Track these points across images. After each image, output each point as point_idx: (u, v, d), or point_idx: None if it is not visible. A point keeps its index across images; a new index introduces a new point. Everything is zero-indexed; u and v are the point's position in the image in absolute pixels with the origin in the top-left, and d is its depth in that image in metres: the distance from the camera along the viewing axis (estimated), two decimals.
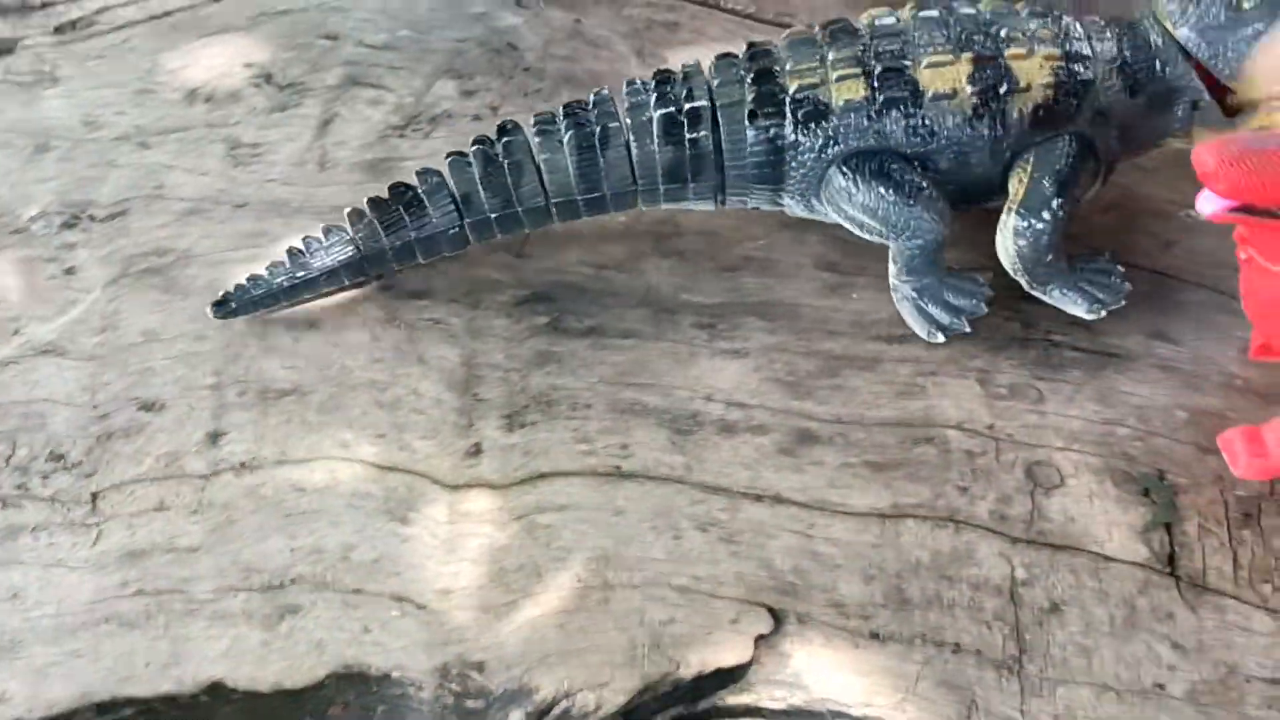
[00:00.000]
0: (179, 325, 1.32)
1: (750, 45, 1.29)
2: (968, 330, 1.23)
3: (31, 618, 1.04)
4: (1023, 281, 1.23)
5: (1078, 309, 1.23)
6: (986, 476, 1.13)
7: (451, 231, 1.28)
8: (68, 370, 1.28)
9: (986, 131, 1.21)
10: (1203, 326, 1.29)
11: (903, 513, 1.10)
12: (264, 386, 1.25)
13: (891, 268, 1.26)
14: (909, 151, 1.22)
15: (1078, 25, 1.25)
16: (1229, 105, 1.22)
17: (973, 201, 1.27)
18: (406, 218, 1.26)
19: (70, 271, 1.41)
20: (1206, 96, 1.21)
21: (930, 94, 1.20)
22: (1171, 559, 1.06)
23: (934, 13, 1.25)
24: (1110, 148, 1.25)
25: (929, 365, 1.25)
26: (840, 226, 1.29)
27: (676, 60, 1.81)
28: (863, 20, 1.27)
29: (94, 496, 1.15)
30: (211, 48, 1.81)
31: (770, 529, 1.09)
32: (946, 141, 1.22)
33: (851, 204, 1.23)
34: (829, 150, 1.23)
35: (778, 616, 1.02)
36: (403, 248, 1.27)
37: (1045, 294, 1.24)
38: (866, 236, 1.24)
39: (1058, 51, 1.21)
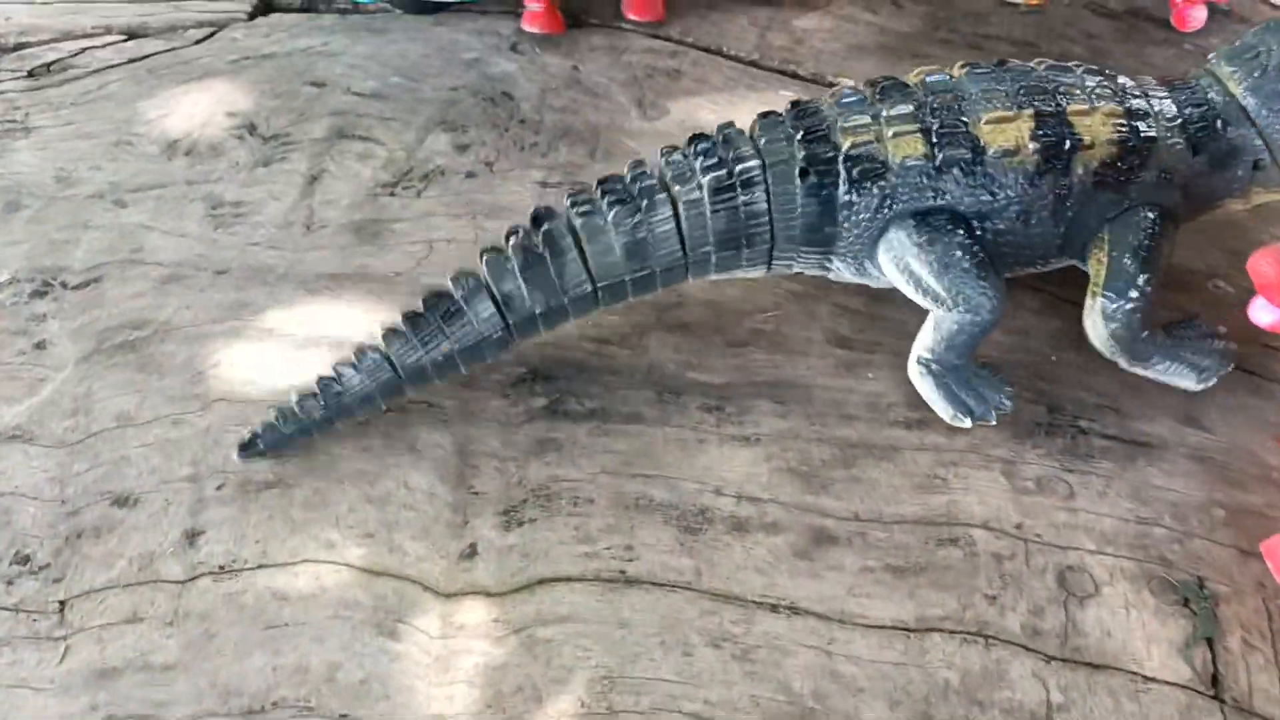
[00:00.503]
0: (155, 408, 1.25)
1: (795, 104, 1.24)
2: (994, 422, 1.17)
3: None
4: (1121, 361, 1.20)
5: (1186, 381, 1.21)
6: (1017, 583, 1.06)
7: (496, 336, 1.17)
8: (35, 459, 1.20)
9: (1049, 190, 1.17)
10: (1234, 411, 1.23)
11: (928, 626, 1.03)
12: (244, 479, 1.17)
13: (926, 339, 1.19)
14: (969, 210, 1.17)
15: (1134, 83, 1.22)
16: None
17: (1026, 265, 1.23)
18: (445, 328, 1.16)
19: (40, 346, 1.34)
20: (1267, 157, 1.20)
21: (992, 151, 1.16)
22: (1215, 679, 1.00)
23: (986, 69, 1.22)
24: (1177, 210, 1.22)
25: (950, 455, 1.18)
26: (852, 299, 1.27)
27: (679, 110, 1.75)
28: (911, 78, 1.22)
29: (61, 605, 1.07)
30: (192, 94, 1.74)
31: (787, 644, 1.02)
32: (1008, 200, 1.17)
33: (919, 262, 1.16)
34: (885, 210, 1.18)
35: None
36: (444, 361, 1.17)
37: (1147, 369, 1.21)
38: (921, 299, 1.18)
39: (1119, 108, 1.18)
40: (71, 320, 1.37)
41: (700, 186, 1.17)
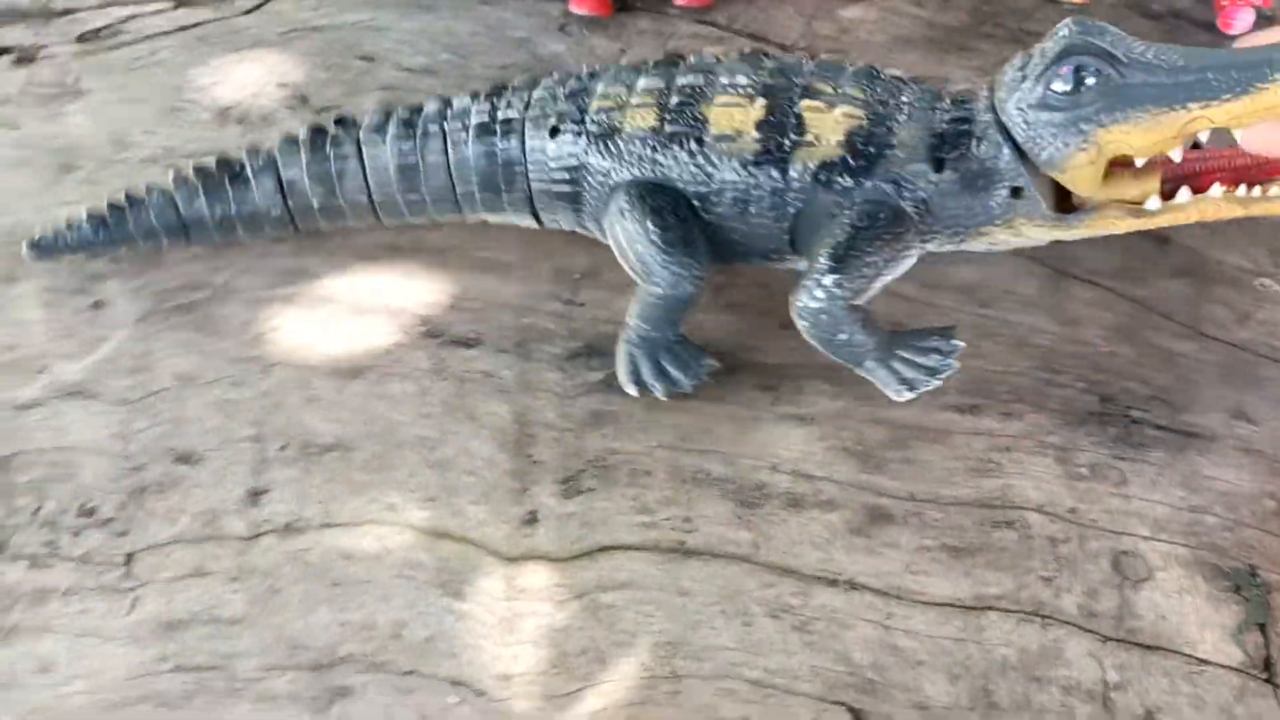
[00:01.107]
0: (215, 369, 1.26)
1: (592, 70, 1.29)
2: (687, 389, 1.19)
3: (63, 694, 0.98)
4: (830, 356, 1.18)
5: (887, 388, 1.18)
6: (1071, 566, 1.08)
7: (275, 214, 1.30)
8: (97, 415, 1.21)
9: (766, 181, 1.15)
10: None
11: (986, 604, 1.05)
12: (306, 440, 1.18)
13: (630, 308, 1.21)
14: (690, 190, 1.18)
15: (911, 92, 1.17)
16: (1062, 200, 1.12)
17: (758, 256, 1.23)
18: (230, 191, 1.28)
19: (98, 306, 1.35)
20: (1026, 183, 1.10)
21: (713, 133, 1.16)
22: (1268, 663, 1.01)
23: (754, 58, 1.22)
24: (908, 228, 1.15)
25: (1003, 440, 1.19)
26: (904, 285, 1.26)
27: None
28: (694, 57, 1.25)
29: (128, 558, 1.08)
30: (243, 64, 1.75)
31: (846, 618, 1.04)
32: (724, 185, 1.17)
33: (618, 232, 1.19)
34: (613, 176, 1.21)
35: (859, 718, 0.97)
36: (224, 221, 1.31)
37: (860, 370, 1.18)
38: (628, 271, 1.20)
39: (860, 112, 1.14)
40: (129, 280, 1.38)
41: (466, 127, 1.26)
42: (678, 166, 1.18)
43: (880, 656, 1.01)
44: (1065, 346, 1.28)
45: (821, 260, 1.12)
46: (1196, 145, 1.06)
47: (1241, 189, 1.03)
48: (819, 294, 1.11)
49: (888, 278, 1.15)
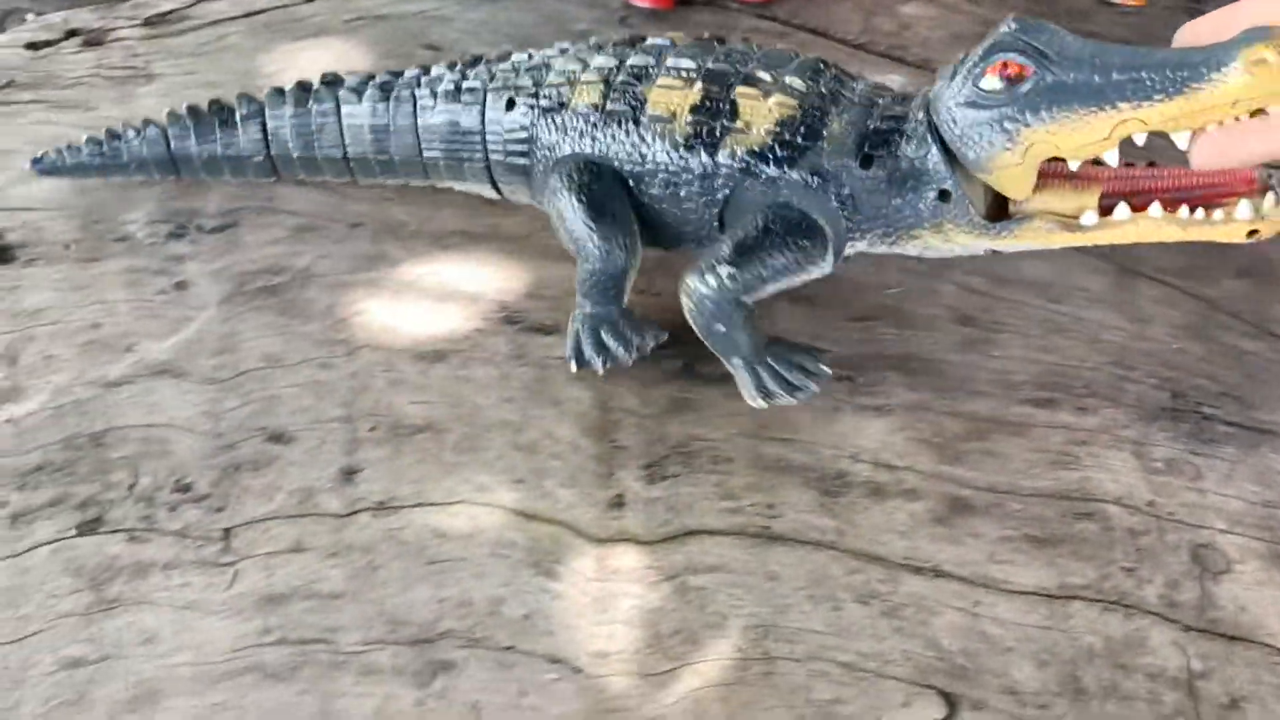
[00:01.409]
0: (302, 350, 1.28)
1: (564, 45, 1.34)
2: (627, 364, 1.22)
3: (169, 665, 1.00)
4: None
5: (744, 390, 1.19)
6: (1152, 558, 1.10)
7: (258, 159, 1.38)
8: (188, 393, 1.24)
9: (696, 165, 1.17)
10: None
11: (1070, 594, 1.07)
12: (396, 421, 1.20)
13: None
14: (625, 169, 1.20)
15: (855, 88, 1.18)
16: (1000, 210, 1.09)
17: (690, 241, 1.24)
18: (218, 133, 1.37)
19: (181, 286, 1.37)
20: (953, 188, 1.08)
21: (649, 113, 1.18)
22: None
23: (704, 44, 1.24)
24: (839, 226, 1.15)
25: (1081, 434, 1.21)
26: (973, 279, 1.31)
27: None
28: (653, 39, 1.27)
29: (226, 533, 1.10)
30: (310, 51, 1.77)
31: (933, 605, 1.06)
32: (656, 166, 1.19)
33: (553, 207, 1.22)
34: (558, 150, 1.24)
35: (951, 702, 0.99)
36: (210, 161, 1.40)
37: (727, 364, 1.20)
38: (565, 247, 1.23)
39: (794, 102, 1.14)
40: (210, 263, 1.40)
41: (434, 93, 1.31)
42: (615, 144, 1.20)
43: (969, 643, 1.03)
44: (1136, 343, 1.30)
45: (724, 249, 1.13)
46: (1152, 164, 1.05)
47: (1184, 210, 0.98)
48: (710, 280, 1.12)
49: (786, 284, 1.16)
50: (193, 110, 1.41)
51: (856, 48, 1.85)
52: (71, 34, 1.81)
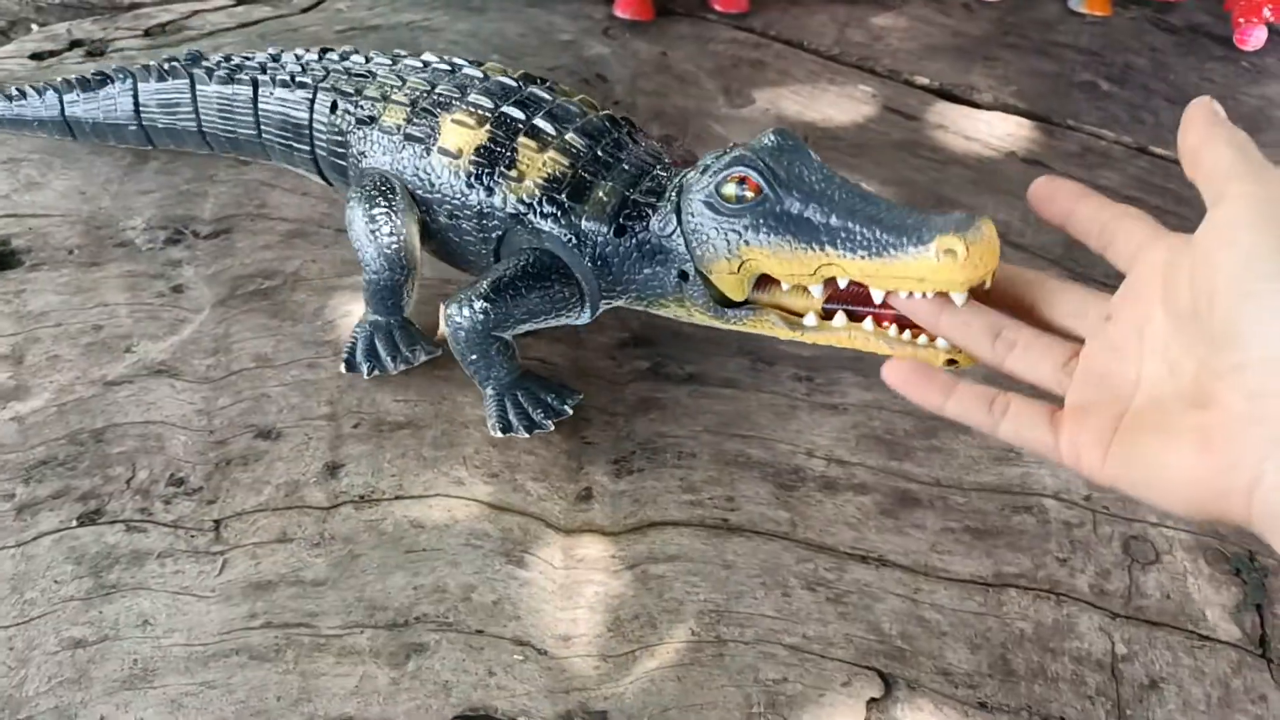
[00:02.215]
0: (290, 351, 1.35)
1: (401, 53, 1.43)
2: (392, 372, 1.29)
3: (163, 646, 1.07)
4: None
5: (488, 418, 1.24)
6: (1085, 549, 1.17)
7: (132, 127, 1.53)
8: (182, 392, 1.31)
9: (474, 203, 1.23)
10: None
11: (1005, 582, 1.14)
12: (378, 419, 1.28)
13: None
14: (415, 193, 1.27)
15: (635, 154, 1.21)
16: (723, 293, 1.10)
17: (471, 266, 1.31)
18: (99, 100, 1.52)
19: (178, 289, 1.44)
20: (690, 272, 1.10)
21: (438, 145, 1.24)
22: (1263, 641, 1.10)
23: (513, 83, 1.29)
24: (593, 284, 1.19)
25: None
26: None
27: (764, 99, 1.85)
28: (488, 68, 1.34)
29: (217, 524, 1.18)
30: None
31: (876, 591, 1.13)
32: (442, 196, 1.25)
33: (347, 214, 1.28)
34: (365, 161, 1.32)
35: (888, 681, 1.06)
36: (95, 126, 1.55)
37: (480, 390, 1.26)
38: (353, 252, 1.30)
39: (567, 161, 1.19)
40: (205, 267, 1.47)
41: (273, 80, 1.42)
42: (409, 167, 1.27)
43: (908, 627, 1.11)
44: None
45: (483, 284, 1.18)
46: None
47: (893, 329, 0.98)
48: (466, 312, 1.18)
49: (538, 325, 1.21)
50: (82, 79, 1.53)
51: (830, 59, 1.92)
52: (75, 44, 1.89)
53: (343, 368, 1.30)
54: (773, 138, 1.04)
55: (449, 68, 1.34)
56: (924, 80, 1.87)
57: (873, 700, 1.05)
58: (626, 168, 1.20)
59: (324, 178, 1.44)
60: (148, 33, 1.92)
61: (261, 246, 1.49)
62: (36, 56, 1.86)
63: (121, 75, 1.52)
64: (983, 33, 1.96)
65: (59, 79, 1.56)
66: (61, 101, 1.55)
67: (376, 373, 1.29)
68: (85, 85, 1.54)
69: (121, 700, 1.03)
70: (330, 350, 1.35)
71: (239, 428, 1.27)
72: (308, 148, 1.41)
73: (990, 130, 1.82)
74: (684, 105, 1.79)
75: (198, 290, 1.43)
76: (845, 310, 1.01)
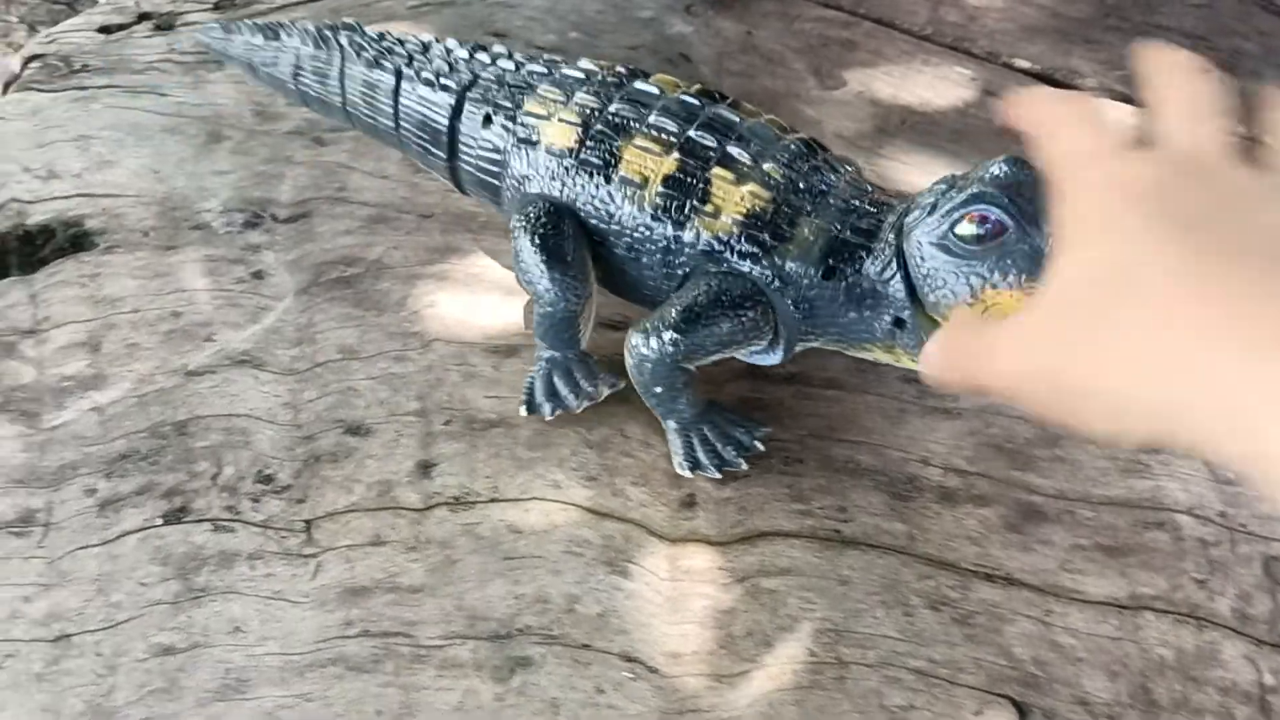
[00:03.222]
0: (377, 343, 1.30)
1: (556, 59, 1.31)
2: (575, 410, 1.18)
3: (256, 655, 1.03)
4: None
5: (674, 456, 1.16)
6: (1224, 570, 1.10)
7: (289, 86, 1.45)
8: (266, 384, 1.26)
9: (660, 238, 1.12)
10: None
11: (1141, 604, 1.08)
12: (470, 416, 1.22)
13: None
14: (590, 222, 1.16)
15: (836, 184, 1.09)
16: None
17: (644, 302, 1.20)
18: (271, 52, 1.44)
19: (258, 276, 1.39)
20: (909, 319, 1.02)
21: (620, 174, 1.13)
22: None
23: (695, 101, 1.16)
24: (792, 325, 1.09)
25: None
26: None
27: (855, 81, 1.77)
28: (658, 80, 1.21)
29: (308, 525, 1.13)
30: None
31: (1005, 613, 1.07)
32: (621, 228, 1.14)
33: (513, 244, 1.18)
34: (527, 185, 1.21)
35: (1023, 711, 1.00)
36: (269, 77, 1.46)
37: (663, 425, 1.17)
38: (520, 285, 1.20)
39: (767, 195, 1.07)
40: (285, 252, 1.42)
41: (418, 74, 1.31)
42: (583, 194, 1.16)
43: (1041, 652, 1.04)
44: None
45: (671, 313, 1.08)
46: None
47: None
48: (654, 343, 1.09)
49: (729, 354, 1.12)
50: (266, 26, 1.46)
51: (922, 39, 1.83)
52: (143, 17, 1.83)
53: (523, 410, 1.19)
54: (1006, 167, 0.94)
55: (616, 80, 1.22)
56: (1024, 63, 1.79)
57: None
58: (831, 202, 1.09)
59: (460, 188, 1.35)
60: (217, 6, 1.86)
61: (342, 232, 1.43)
62: (104, 30, 1.80)
63: (287, 32, 1.44)
64: (1083, 14, 1.87)
65: (277, 22, 1.47)
66: (248, 46, 1.47)
67: (559, 413, 1.19)
68: (265, 33, 1.45)
69: (214, 713, 0.99)
70: (418, 342, 1.30)
71: (327, 423, 1.22)
72: (445, 156, 1.31)
73: None
74: (772, 87, 1.72)
75: (278, 277, 1.38)
76: None
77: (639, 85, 1.20)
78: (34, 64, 1.73)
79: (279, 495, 1.15)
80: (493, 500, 1.15)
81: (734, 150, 1.12)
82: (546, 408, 1.19)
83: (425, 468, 1.18)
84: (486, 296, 1.36)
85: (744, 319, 1.09)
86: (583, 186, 1.16)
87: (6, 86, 1.83)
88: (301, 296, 1.36)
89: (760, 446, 1.17)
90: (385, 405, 1.23)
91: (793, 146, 1.13)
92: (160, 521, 1.13)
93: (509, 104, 1.24)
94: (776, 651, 1.04)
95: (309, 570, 1.09)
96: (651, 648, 1.04)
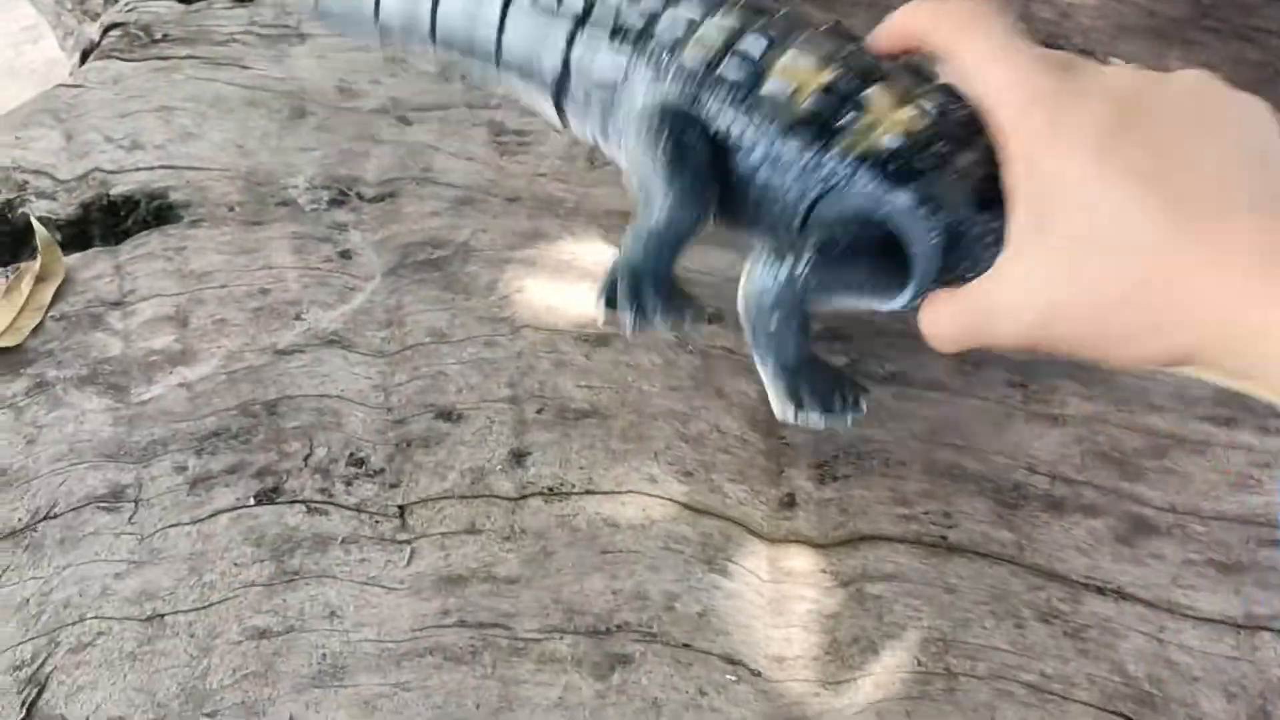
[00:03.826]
0: (467, 327, 1.28)
1: None
2: (658, 328, 1.08)
3: (352, 641, 1.01)
4: (747, 338, 1.05)
5: (775, 400, 1.05)
6: None
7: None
8: (356, 365, 1.24)
9: (801, 150, 1.01)
10: None
11: (1258, 624, 1.04)
12: (562, 405, 1.20)
13: (627, 232, 1.09)
14: (721, 135, 1.06)
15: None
16: None
17: (766, 227, 1.09)
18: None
19: (346, 255, 1.37)
20: None
21: (769, 83, 1.02)
22: None
23: (841, 36, 1.05)
24: (931, 263, 0.99)
25: (1263, 456, 1.17)
26: None
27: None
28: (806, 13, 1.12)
29: (401, 510, 1.11)
30: None
31: (1117, 627, 1.03)
32: (755, 142, 1.04)
33: (631, 152, 1.10)
34: (651, 95, 1.10)
35: None
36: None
37: (761, 366, 1.05)
38: (631, 192, 1.11)
39: (930, 120, 0.97)
40: (373, 232, 1.40)
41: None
42: (717, 107, 1.06)
43: (1155, 669, 1.01)
44: None
45: (806, 245, 0.98)
46: None
47: None
48: (781, 275, 0.98)
49: (849, 304, 1.05)
50: None
51: None
52: None
53: (599, 306, 1.09)
54: None
55: (758, 10, 1.11)
56: (1118, 62, 1.75)
57: None
58: (984, 141, 0.96)
59: (561, 111, 1.23)
60: None
61: (429, 213, 1.41)
62: (185, 0, 1.79)
63: None
64: (1179, 14, 1.83)
65: None
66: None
67: (639, 326, 1.07)
68: None
69: (311, 699, 0.97)
70: (507, 328, 1.27)
71: (418, 407, 1.20)
72: (555, 71, 1.18)
73: None
74: None
75: (366, 257, 1.36)
76: None
77: (780, 14, 1.09)
78: (113, 33, 1.72)
79: (372, 479, 1.13)
80: (588, 492, 1.13)
81: (897, 74, 1.02)
82: (629, 316, 1.08)
83: (518, 456, 1.15)
84: (575, 284, 1.33)
85: (881, 267, 1.00)
86: (718, 99, 1.06)
87: (85, 55, 1.82)
88: (389, 278, 1.34)
89: (864, 410, 1.08)
90: (476, 391, 1.21)
91: (942, 85, 1.03)
92: (253, 501, 1.11)
93: (640, 23, 1.12)
94: (883, 659, 1.01)
95: (403, 557, 1.07)
96: (754, 650, 1.01)
